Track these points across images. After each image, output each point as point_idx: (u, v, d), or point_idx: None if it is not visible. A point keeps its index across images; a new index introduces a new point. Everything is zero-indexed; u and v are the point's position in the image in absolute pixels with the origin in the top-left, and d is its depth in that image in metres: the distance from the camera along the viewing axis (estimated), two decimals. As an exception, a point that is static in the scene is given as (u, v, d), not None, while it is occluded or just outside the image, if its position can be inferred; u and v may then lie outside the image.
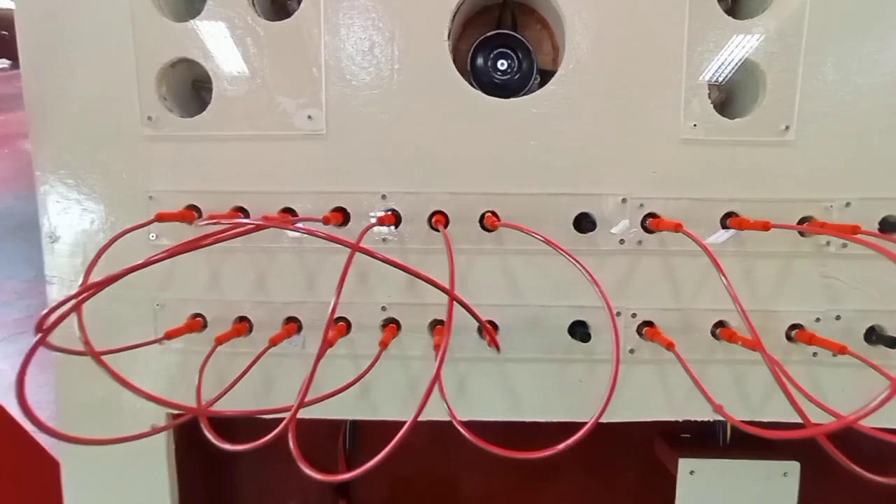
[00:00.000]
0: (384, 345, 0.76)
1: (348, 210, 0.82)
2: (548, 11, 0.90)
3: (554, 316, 0.85)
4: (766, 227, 0.69)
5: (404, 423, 0.58)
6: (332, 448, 1.17)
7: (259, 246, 0.83)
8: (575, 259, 0.66)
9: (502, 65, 0.88)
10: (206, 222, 0.71)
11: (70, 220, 0.85)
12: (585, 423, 0.63)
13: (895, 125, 0.79)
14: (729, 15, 0.77)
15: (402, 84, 0.80)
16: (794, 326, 0.82)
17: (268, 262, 0.84)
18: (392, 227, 0.82)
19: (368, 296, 0.84)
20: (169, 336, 0.77)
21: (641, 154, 0.81)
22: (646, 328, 0.84)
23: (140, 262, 0.51)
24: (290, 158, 0.82)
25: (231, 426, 0.91)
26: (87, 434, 0.91)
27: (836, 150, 0.79)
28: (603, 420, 0.89)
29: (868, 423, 0.49)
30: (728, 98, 0.88)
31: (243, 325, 0.85)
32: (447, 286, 0.58)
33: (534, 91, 0.83)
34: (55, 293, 0.86)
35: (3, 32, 8.76)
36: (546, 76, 0.92)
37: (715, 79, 0.80)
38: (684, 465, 0.90)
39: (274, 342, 0.77)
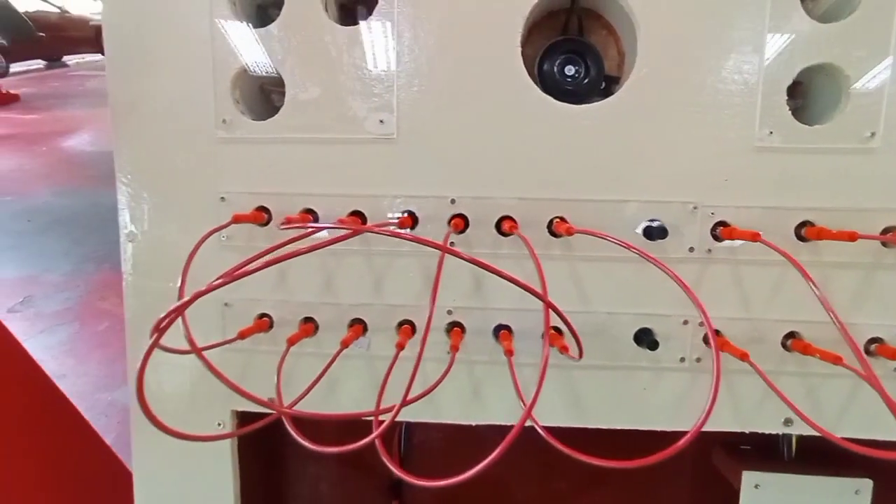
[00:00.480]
0: (455, 349, 0.76)
1: (417, 214, 0.83)
2: (615, 17, 0.89)
3: (620, 323, 0.85)
4: (852, 237, 0.68)
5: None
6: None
7: (328, 248, 0.84)
8: (666, 268, 0.65)
9: (569, 70, 0.87)
10: (290, 226, 0.73)
11: (146, 220, 0.88)
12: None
13: None
14: (811, 17, 0.76)
15: (473, 89, 0.80)
16: (873, 340, 0.79)
17: (336, 264, 0.85)
18: (459, 232, 0.82)
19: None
20: (242, 336, 0.79)
21: (713, 162, 0.80)
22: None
23: (249, 266, 0.52)
24: (360, 162, 0.83)
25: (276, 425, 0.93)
26: (156, 431, 0.94)
27: None
28: (669, 429, 0.88)
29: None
30: (802, 104, 0.86)
31: (310, 325, 0.86)
32: (540, 292, 0.58)
33: (596, 96, 0.83)
34: (131, 290, 0.89)
35: (41, 34, 9.07)
36: (611, 82, 0.92)
37: (794, 85, 0.78)
38: (749, 478, 0.89)
39: (345, 344, 0.78)
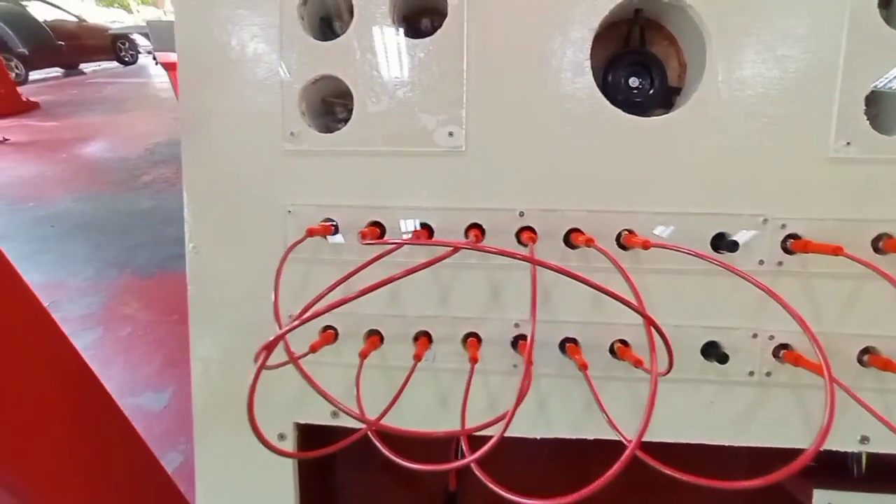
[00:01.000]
0: (529, 363, 0.76)
1: (484, 226, 0.82)
2: (678, 28, 0.89)
3: (687, 336, 0.84)
4: None
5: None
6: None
7: (395, 260, 0.84)
8: (759, 282, 0.65)
9: (634, 82, 0.87)
10: (374, 242, 0.73)
11: (212, 233, 0.88)
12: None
13: None
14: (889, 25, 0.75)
15: (542, 102, 0.80)
16: (954, 355, 0.78)
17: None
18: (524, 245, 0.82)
19: (501, 312, 0.84)
20: (313, 349, 0.79)
21: (785, 173, 0.79)
22: (783, 351, 0.82)
23: (371, 284, 0.52)
24: (428, 174, 0.83)
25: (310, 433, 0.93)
26: (218, 439, 0.94)
27: None
28: (736, 444, 0.87)
29: None
30: (877, 113, 0.85)
31: (375, 338, 0.86)
32: (635, 304, 0.58)
33: (658, 107, 0.82)
34: (196, 302, 0.90)
35: (60, 43, 9.24)
36: (672, 92, 0.91)
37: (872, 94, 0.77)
38: (820, 496, 0.87)
39: (418, 358, 0.78)
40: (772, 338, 0.82)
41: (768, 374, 0.83)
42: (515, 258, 0.60)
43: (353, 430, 0.87)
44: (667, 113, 0.83)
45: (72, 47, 9.92)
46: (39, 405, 0.95)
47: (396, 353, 0.86)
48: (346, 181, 0.85)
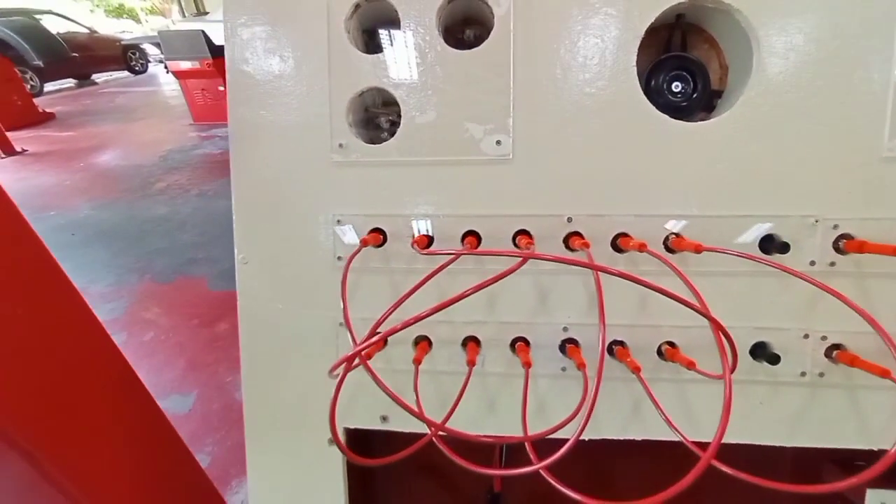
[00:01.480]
0: (582, 366, 0.76)
1: (532, 233, 0.83)
2: (720, 31, 0.89)
3: (736, 337, 0.84)
4: None
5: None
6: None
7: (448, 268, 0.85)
8: (820, 283, 0.65)
9: (677, 87, 0.87)
10: (433, 252, 0.74)
11: (260, 243, 0.90)
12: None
13: None
14: None
15: (589, 109, 0.81)
16: None
17: (449, 283, 0.86)
18: (573, 251, 0.82)
19: (548, 316, 0.85)
20: (368, 356, 0.80)
21: (835, 174, 0.79)
22: (836, 351, 0.82)
23: (458, 294, 0.54)
24: (475, 183, 0.84)
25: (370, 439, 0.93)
26: (270, 447, 0.96)
27: None
28: (786, 445, 0.87)
29: None
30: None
31: (425, 343, 0.87)
32: (697, 305, 0.58)
33: (697, 111, 0.82)
34: (245, 313, 0.91)
35: (73, 55, 9.39)
36: (713, 95, 0.92)
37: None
38: (874, 496, 0.87)
39: (472, 363, 0.79)
40: (824, 338, 0.82)
41: (821, 374, 0.83)
42: (577, 265, 0.61)
43: (402, 435, 0.89)
44: (708, 116, 0.84)
45: (84, 58, 10.10)
46: (93, 412, 0.98)
47: (445, 359, 0.87)
48: (394, 191, 0.86)
